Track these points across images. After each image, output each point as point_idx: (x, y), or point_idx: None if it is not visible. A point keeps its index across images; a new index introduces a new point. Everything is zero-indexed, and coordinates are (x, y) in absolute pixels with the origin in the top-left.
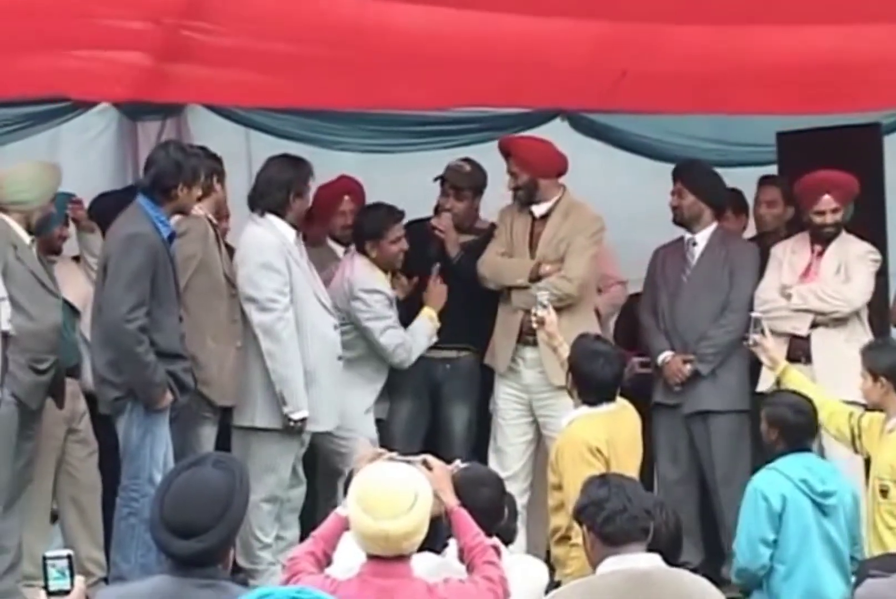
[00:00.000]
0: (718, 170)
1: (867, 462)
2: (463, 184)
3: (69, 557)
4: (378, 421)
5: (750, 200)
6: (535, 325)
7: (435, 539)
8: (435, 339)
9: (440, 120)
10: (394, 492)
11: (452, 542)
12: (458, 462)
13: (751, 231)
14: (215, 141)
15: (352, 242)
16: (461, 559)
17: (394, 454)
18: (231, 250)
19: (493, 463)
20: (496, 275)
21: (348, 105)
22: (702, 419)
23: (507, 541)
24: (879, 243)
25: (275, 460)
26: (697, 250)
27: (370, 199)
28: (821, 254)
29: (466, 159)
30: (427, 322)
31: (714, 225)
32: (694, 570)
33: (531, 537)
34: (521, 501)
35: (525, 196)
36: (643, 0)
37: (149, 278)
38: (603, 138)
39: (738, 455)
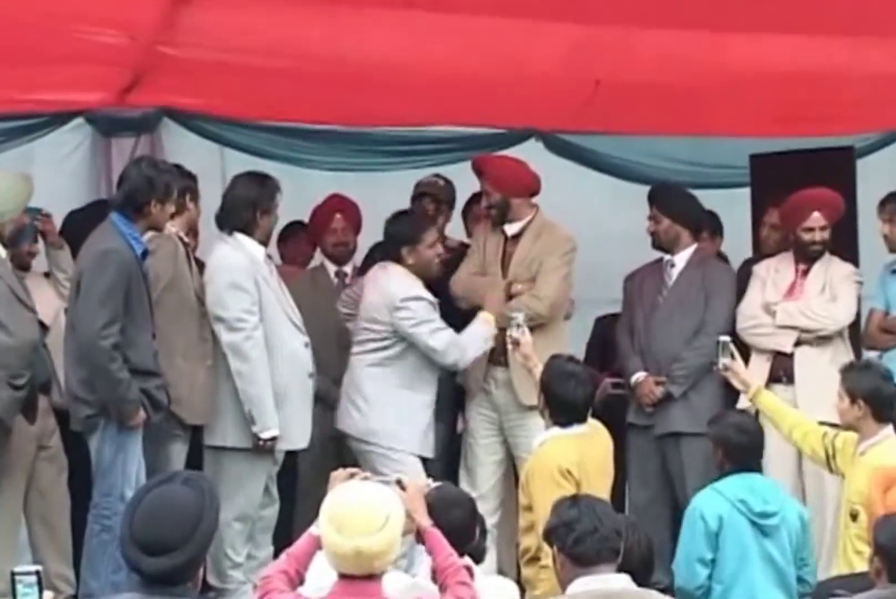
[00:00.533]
0: (693, 192)
1: None
2: (443, 197)
3: (38, 573)
4: None
5: (726, 222)
6: (510, 346)
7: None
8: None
9: (414, 140)
10: (366, 511)
11: (424, 562)
12: (430, 482)
13: (747, 253)
14: (189, 158)
15: (347, 259)
16: (434, 579)
17: (367, 474)
18: (202, 268)
19: (463, 483)
20: (469, 294)
21: (320, 120)
22: (674, 440)
23: (478, 561)
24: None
25: (246, 479)
26: (675, 272)
27: None
28: (805, 273)
29: (436, 175)
30: (483, 325)
31: (693, 247)
32: (664, 590)
33: (501, 557)
34: (491, 520)
35: (497, 215)
36: (616, 4)
37: (122, 295)
38: (577, 159)
39: (709, 477)
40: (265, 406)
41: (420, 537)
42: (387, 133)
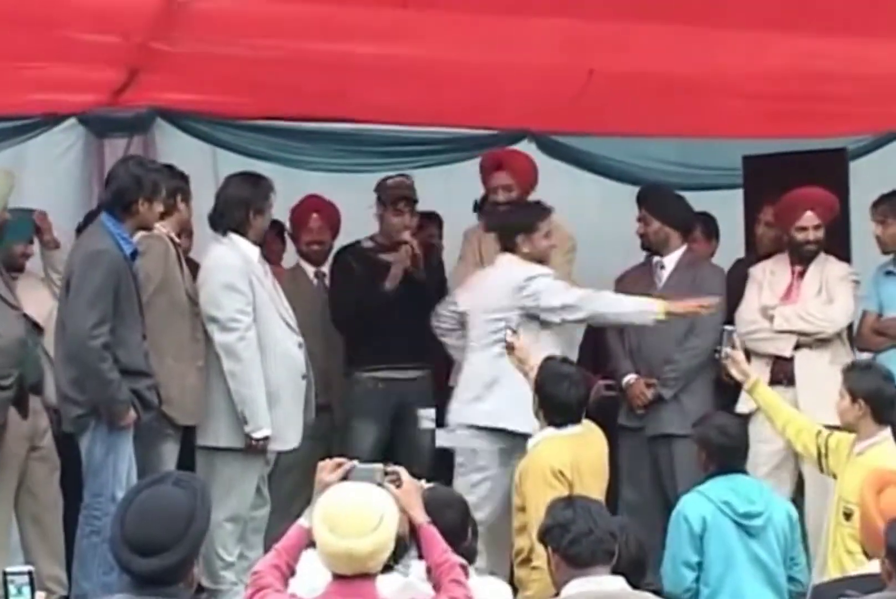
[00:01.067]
0: (684, 193)
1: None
2: (414, 196)
3: (30, 573)
4: (343, 443)
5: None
6: (505, 350)
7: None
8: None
9: (407, 141)
10: (359, 511)
11: (417, 563)
12: (423, 483)
13: (739, 254)
14: (182, 159)
15: (322, 259)
16: (428, 576)
17: (355, 462)
18: (196, 268)
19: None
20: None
21: (312, 116)
22: (665, 442)
23: (469, 562)
24: None
25: (238, 479)
26: (665, 273)
27: None
28: (801, 274)
29: (401, 174)
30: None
31: (683, 248)
32: (656, 591)
33: (492, 558)
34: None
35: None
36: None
37: (111, 295)
38: (569, 160)
39: (699, 479)
40: (257, 407)
41: (415, 533)
42: (379, 134)
